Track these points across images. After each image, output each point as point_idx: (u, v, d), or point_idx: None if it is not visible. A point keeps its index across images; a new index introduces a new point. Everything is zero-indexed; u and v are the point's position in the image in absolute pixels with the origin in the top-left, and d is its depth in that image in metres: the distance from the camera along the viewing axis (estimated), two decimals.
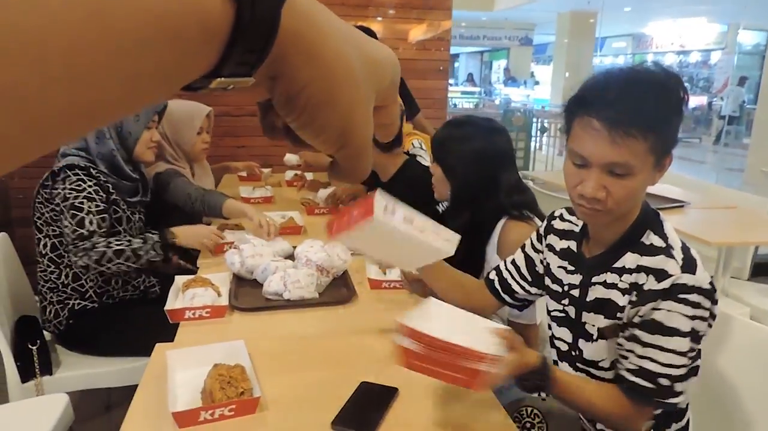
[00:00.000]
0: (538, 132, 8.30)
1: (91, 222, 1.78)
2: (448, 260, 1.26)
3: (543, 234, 1.33)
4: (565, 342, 1.24)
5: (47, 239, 1.86)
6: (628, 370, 1.07)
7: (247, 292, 1.61)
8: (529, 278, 1.37)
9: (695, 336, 1.03)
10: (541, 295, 1.38)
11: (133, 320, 1.90)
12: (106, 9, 0.19)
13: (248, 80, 0.26)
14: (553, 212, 1.34)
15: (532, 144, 8.02)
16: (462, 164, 1.62)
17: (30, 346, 1.79)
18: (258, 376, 1.15)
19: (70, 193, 1.78)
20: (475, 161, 1.60)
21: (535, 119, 8.09)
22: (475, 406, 1.12)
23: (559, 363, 1.27)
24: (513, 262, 1.40)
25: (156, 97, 0.23)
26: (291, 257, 1.80)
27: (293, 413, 1.10)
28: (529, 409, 1.27)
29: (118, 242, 1.78)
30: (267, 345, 1.33)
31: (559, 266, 1.25)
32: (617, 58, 18.85)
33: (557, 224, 1.30)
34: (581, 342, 1.19)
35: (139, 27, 0.20)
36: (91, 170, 1.85)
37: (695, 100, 14.72)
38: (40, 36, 0.17)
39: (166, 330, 1.41)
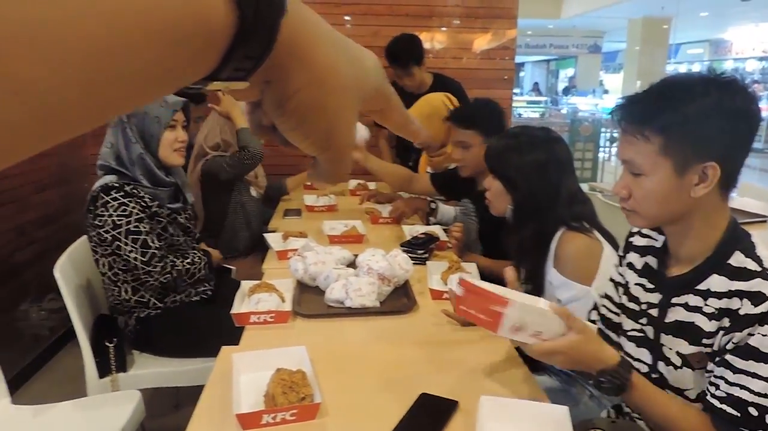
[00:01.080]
0: (608, 142, 8.03)
1: (153, 241, 1.83)
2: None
3: (623, 255, 1.27)
4: (644, 363, 1.18)
5: (103, 258, 1.90)
6: (717, 397, 1.01)
7: (310, 299, 1.64)
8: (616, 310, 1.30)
9: None
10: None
11: (196, 323, 1.97)
12: (124, 13, 0.20)
13: (243, 84, 0.28)
14: (631, 229, 1.29)
15: (600, 155, 7.77)
16: (523, 175, 1.58)
17: (107, 344, 1.89)
18: (319, 382, 1.17)
19: (119, 219, 1.78)
20: (536, 170, 1.56)
21: (603, 129, 7.84)
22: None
23: None
24: (608, 297, 1.31)
25: (155, 97, 0.25)
26: (352, 265, 1.82)
27: (352, 421, 1.11)
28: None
29: (186, 262, 1.93)
30: (328, 351, 1.35)
31: (636, 284, 1.20)
32: (693, 65, 18.02)
33: (637, 240, 1.25)
34: (661, 365, 1.13)
35: (151, 32, 0.21)
36: (126, 187, 1.82)
37: None
38: (62, 34, 0.18)
39: (229, 332, 1.46)
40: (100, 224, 1.80)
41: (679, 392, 1.12)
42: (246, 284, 1.67)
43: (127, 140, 1.87)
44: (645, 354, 1.18)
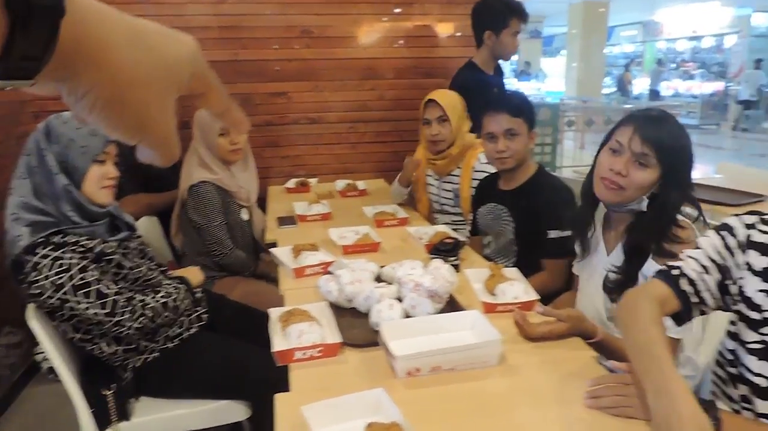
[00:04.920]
0: (565, 126, 8.11)
1: (108, 287, 1.53)
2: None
3: (739, 249, 1.12)
4: (766, 378, 1.06)
5: (63, 324, 1.58)
6: None
7: (351, 323, 1.44)
8: (717, 295, 1.15)
9: None
10: (704, 313, 1.19)
11: (205, 358, 1.73)
12: None
13: (28, 83, 0.28)
14: (742, 218, 1.14)
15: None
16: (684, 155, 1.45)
17: (105, 392, 1.63)
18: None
19: (59, 278, 1.46)
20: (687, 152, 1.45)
21: (561, 113, 7.91)
22: None
23: (756, 399, 1.09)
24: (704, 267, 1.14)
25: None
26: (378, 279, 1.64)
27: None
28: None
29: (159, 296, 1.65)
30: (404, 389, 1.17)
31: (759, 290, 1.07)
32: (628, 47, 18.62)
33: (757, 236, 1.10)
34: None
35: None
36: (53, 238, 1.49)
37: (711, 87, 14.47)
38: None
39: (238, 366, 1.25)
40: (38, 292, 1.47)
41: None
42: (275, 313, 1.45)
43: (47, 171, 1.53)
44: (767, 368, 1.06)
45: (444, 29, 3.50)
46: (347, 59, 3.35)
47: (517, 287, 1.57)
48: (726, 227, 1.15)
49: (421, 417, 1.06)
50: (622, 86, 15.14)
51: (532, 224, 1.98)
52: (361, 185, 3.03)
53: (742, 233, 1.12)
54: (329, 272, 1.64)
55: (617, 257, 1.51)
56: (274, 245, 2.11)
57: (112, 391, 1.63)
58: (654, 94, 14.77)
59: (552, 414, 1.08)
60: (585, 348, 1.33)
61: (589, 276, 1.63)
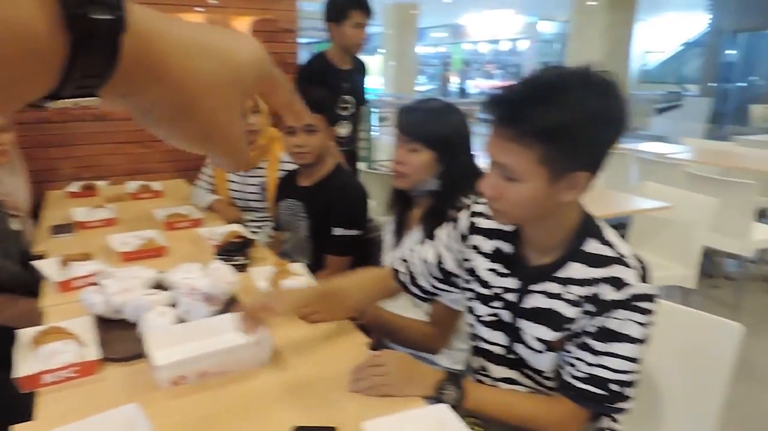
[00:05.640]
0: (378, 122, 8.46)
1: None
2: None
3: (466, 234, 1.26)
4: (499, 345, 1.20)
5: None
6: (577, 378, 1.05)
7: (120, 336, 1.34)
8: (441, 276, 1.32)
9: (645, 343, 1.04)
10: (449, 292, 1.35)
11: None
12: None
13: (94, 99, 0.28)
14: (469, 207, 1.29)
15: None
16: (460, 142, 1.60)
17: None
18: None
19: None
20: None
21: (374, 109, 8.23)
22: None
23: (491, 366, 1.22)
24: (423, 258, 1.34)
25: None
26: (159, 286, 1.55)
27: None
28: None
29: None
30: (167, 400, 1.11)
31: (489, 269, 1.19)
32: (438, 48, 19.97)
33: (482, 222, 1.24)
34: (519, 347, 1.16)
35: None
36: None
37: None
38: None
39: (14, 403, 1.11)
40: None
41: (538, 373, 1.16)
42: (26, 333, 1.30)
43: None
44: (501, 337, 1.19)
45: (263, 24, 3.43)
46: None
47: (300, 283, 1.59)
48: (454, 220, 1.31)
49: (181, 429, 1.02)
50: (443, 84, 16.40)
51: (324, 221, 2.01)
52: (156, 186, 2.85)
53: (464, 223, 1.27)
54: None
55: (418, 235, 1.60)
56: (41, 257, 1.89)
57: None
58: (462, 91, 16.10)
59: (320, 404, 1.11)
60: (358, 334, 1.39)
61: None
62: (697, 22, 10.25)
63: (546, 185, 0.99)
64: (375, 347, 1.37)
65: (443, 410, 1.02)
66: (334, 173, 2.11)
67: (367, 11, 2.98)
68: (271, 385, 1.18)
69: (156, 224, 2.24)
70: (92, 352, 1.25)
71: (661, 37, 13.17)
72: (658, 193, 2.94)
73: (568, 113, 0.94)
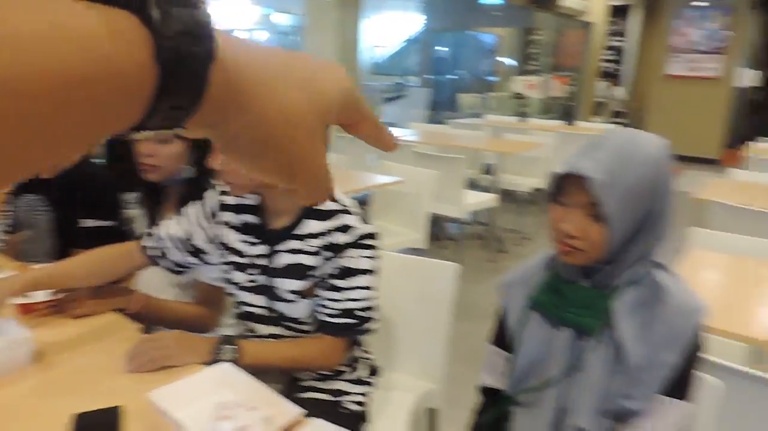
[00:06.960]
0: None
1: None
2: None
3: (216, 212, 1.38)
4: (260, 307, 1.34)
5: None
6: (331, 315, 1.26)
7: None
8: (192, 250, 1.41)
9: (376, 272, 1.28)
10: (199, 265, 1.45)
11: None
12: (24, 76, 0.20)
13: (179, 130, 0.28)
14: (214, 187, 1.42)
15: None
16: None
17: None
18: None
19: None
20: None
21: None
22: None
23: (256, 325, 1.37)
24: (170, 235, 1.41)
25: (77, 150, 0.24)
26: None
27: None
28: None
29: None
30: None
31: (241, 241, 1.33)
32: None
33: (228, 200, 1.37)
34: (278, 305, 1.32)
35: (55, 92, 0.21)
36: None
37: None
38: None
39: None
40: None
41: (295, 321, 1.34)
42: None
43: None
44: (261, 299, 1.35)
45: None
46: None
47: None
48: (200, 199, 1.43)
49: None
50: None
51: (69, 213, 1.89)
52: None
53: (212, 201, 1.40)
54: None
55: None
56: None
57: None
58: None
59: (99, 390, 1.11)
60: (129, 323, 1.39)
61: None
62: (415, 22, 11.68)
63: None
64: (147, 332, 1.39)
65: (226, 367, 1.12)
66: (78, 163, 1.99)
67: None
68: (40, 383, 1.14)
69: None
70: None
71: (385, 33, 14.63)
72: (392, 170, 3.40)
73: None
